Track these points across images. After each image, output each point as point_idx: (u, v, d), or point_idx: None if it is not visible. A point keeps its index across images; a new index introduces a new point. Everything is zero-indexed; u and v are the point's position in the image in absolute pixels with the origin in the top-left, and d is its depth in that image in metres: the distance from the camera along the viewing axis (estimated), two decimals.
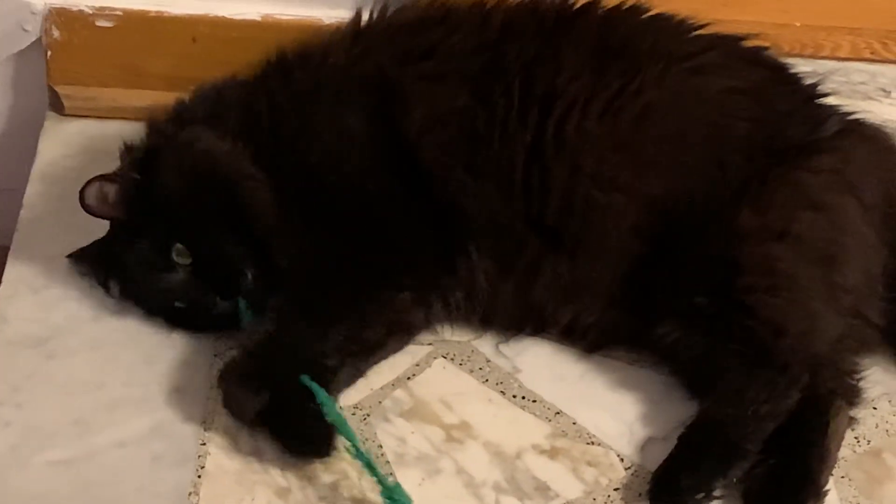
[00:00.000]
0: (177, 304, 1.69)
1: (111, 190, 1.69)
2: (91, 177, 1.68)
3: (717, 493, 1.54)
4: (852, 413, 1.64)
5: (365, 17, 1.81)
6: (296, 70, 1.76)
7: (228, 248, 1.67)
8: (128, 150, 1.77)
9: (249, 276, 1.67)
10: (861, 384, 1.66)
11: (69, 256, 1.76)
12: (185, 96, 1.81)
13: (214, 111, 1.76)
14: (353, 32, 1.80)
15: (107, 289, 1.74)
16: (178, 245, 1.66)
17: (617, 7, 1.79)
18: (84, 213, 1.69)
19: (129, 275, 1.70)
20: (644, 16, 1.79)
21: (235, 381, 1.59)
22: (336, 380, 1.62)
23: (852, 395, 1.65)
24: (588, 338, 1.73)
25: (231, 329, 1.70)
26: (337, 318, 1.63)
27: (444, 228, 1.68)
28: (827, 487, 1.55)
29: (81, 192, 1.67)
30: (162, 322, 1.72)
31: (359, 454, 1.52)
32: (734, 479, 1.55)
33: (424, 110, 1.70)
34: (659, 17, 1.80)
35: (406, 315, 1.70)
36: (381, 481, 1.50)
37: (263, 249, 1.68)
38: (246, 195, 1.68)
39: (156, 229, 1.67)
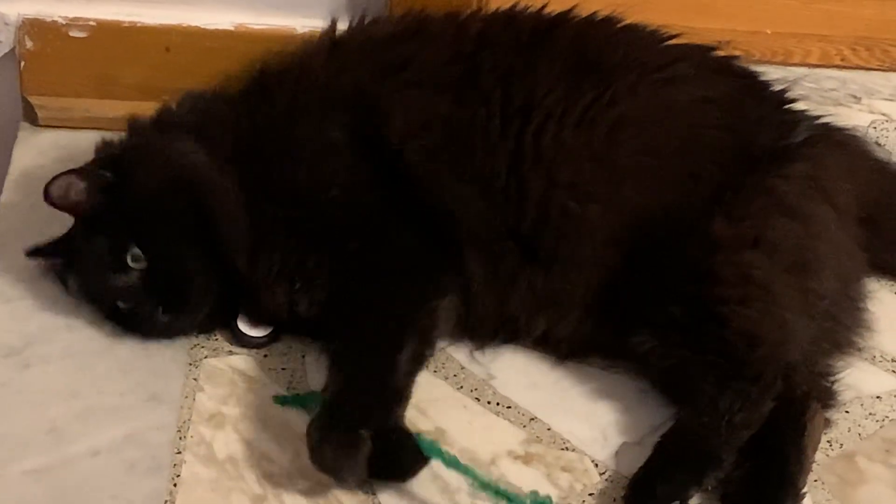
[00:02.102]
0: (119, 304, 1.68)
1: (80, 186, 1.68)
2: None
3: (692, 500, 1.55)
4: (828, 415, 1.65)
5: (339, 26, 1.82)
6: (275, 89, 1.76)
7: (186, 262, 1.67)
8: (105, 145, 1.76)
9: (196, 294, 1.67)
10: (835, 386, 1.67)
11: (28, 254, 1.74)
12: (172, 103, 1.80)
13: (201, 125, 1.75)
14: (329, 45, 1.81)
15: (65, 284, 1.73)
16: (136, 248, 1.65)
17: (591, 18, 1.80)
18: (57, 223, 1.69)
19: (82, 269, 1.69)
20: (617, 26, 1.80)
21: (331, 442, 1.51)
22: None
23: (827, 398, 1.65)
24: (561, 348, 1.73)
25: (163, 338, 1.71)
26: (399, 344, 1.60)
27: (441, 234, 1.67)
28: (804, 490, 1.56)
29: (48, 186, 1.66)
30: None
31: (467, 471, 1.54)
32: (709, 487, 1.56)
33: (406, 116, 1.70)
34: (631, 28, 1.81)
35: (448, 323, 1.69)
36: (502, 492, 1.53)
37: (228, 265, 1.67)
38: (216, 206, 1.68)
39: (118, 228, 1.67)
